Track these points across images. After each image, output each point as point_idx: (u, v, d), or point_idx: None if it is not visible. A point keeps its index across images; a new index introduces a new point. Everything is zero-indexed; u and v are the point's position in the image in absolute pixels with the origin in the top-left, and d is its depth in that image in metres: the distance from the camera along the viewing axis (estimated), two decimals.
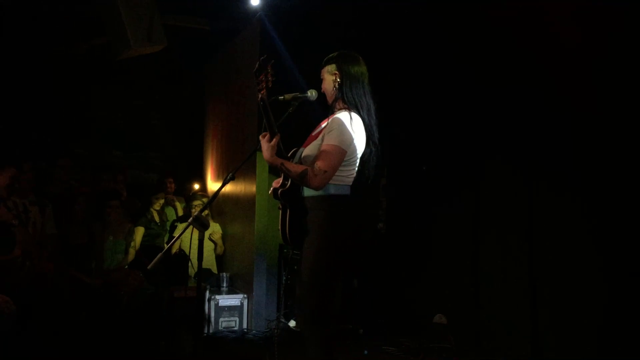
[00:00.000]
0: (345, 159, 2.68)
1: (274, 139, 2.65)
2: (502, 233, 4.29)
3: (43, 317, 3.98)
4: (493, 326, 4.32)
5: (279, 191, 2.73)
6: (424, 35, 5.00)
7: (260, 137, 2.69)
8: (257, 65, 2.68)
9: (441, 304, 4.73)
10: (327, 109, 2.91)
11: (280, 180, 2.82)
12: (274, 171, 5.47)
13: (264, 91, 2.68)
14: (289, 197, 2.72)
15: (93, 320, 4.30)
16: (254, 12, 5.28)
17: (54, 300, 4.12)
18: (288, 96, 2.78)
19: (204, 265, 5.70)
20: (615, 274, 3.49)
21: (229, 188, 5.87)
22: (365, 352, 4.22)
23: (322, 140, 2.69)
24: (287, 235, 2.73)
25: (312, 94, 2.82)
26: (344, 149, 2.66)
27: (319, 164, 2.61)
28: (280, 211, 2.79)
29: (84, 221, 4.83)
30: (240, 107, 5.82)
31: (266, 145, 2.65)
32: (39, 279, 4.17)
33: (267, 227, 5.30)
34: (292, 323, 5.14)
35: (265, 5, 5.15)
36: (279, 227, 2.79)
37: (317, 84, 2.84)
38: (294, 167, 2.64)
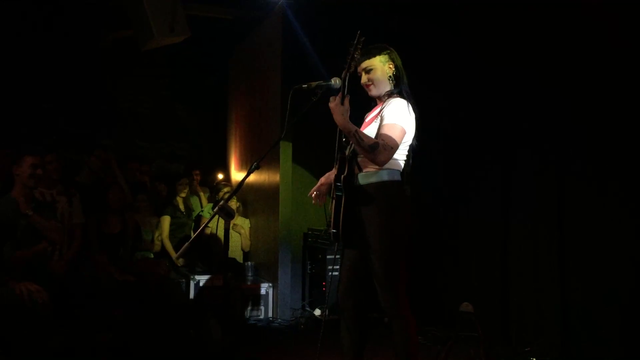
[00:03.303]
0: (402, 141, 2.69)
1: (347, 103, 2.63)
2: (532, 222, 4.22)
3: (74, 306, 4.04)
4: (522, 316, 4.27)
5: (342, 177, 2.69)
6: (451, 22, 4.92)
7: (330, 103, 2.64)
8: (356, 39, 2.64)
9: (469, 292, 4.68)
10: (369, 100, 2.89)
11: (324, 186, 2.80)
12: (298, 161, 5.50)
13: (351, 69, 2.68)
14: (347, 185, 2.69)
15: (122, 310, 4.36)
16: (276, 0, 5.26)
17: (85, 289, 4.19)
18: (312, 84, 2.76)
19: (229, 254, 5.75)
20: None
21: (252, 177, 5.89)
22: (386, 319, 4.16)
23: (380, 119, 2.70)
24: (340, 226, 2.66)
25: (335, 81, 2.79)
26: (404, 129, 2.67)
27: (385, 139, 2.61)
28: (334, 202, 2.72)
29: (117, 211, 4.90)
30: (263, 96, 5.82)
31: (340, 109, 2.61)
32: (69, 269, 4.24)
33: (291, 216, 5.31)
34: (317, 312, 5.16)
35: None
36: (331, 220, 2.73)
37: (340, 71, 2.81)
38: (367, 137, 2.63)
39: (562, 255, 3.95)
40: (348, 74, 2.67)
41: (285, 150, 5.27)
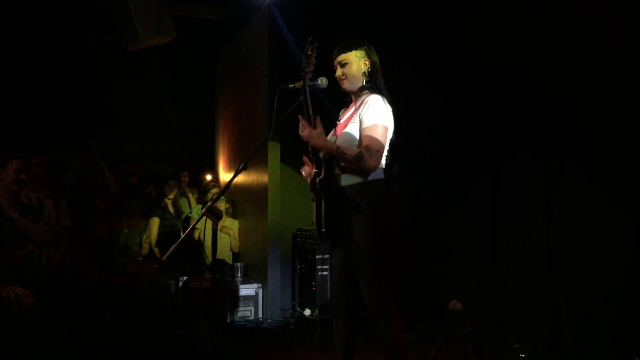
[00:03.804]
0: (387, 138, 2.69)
1: (318, 124, 2.63)
2: (521, 220, 4.24)
3: (63, 309, 4.02)
4: (511, 312, 4.30)
5: (318, 180, 2.67)
6: (440, 22, 4.94)
7: (302, 133, 2.64)
8: (307, 47, 2.66)
9: (459, 290, 4.70)
10: (341, 96, 2.88)
11: (311, 169, 2.77)
12: (286, 161, 5.49)
13: (308, 75, 2.68)
14: (326, 187, 2.67)
15: (111, 312, 4.34)
16: (262, 0, 5.25)
17: (73, 292, 4.16)
18: (298, 84, 2.75)
19: (219, 255, 5.73)
20: (635, 262, 3.43)
21: (241, 178, 5.87)
22: None
23: (360, 122, 2.68)
24: (323, 228, 2.65)
25: (322, 81, 2.80)
26: (386, 126, 2.66)
27: (370, 144, 2.60)
28: (314, 204, 2.71)
29: (104, 214, 4.87)
30: (251, 96, 5.81)
31: (314, 133, 2.61)
32: (56, 272, 4.21)
33: (280, 216, 5.30)
34: (307, 312, 5.16)
35: None
36: (314, 221, 2.72)
37: (325, 72, 2.81)
38: (349, 150, 2.62)
39: (550, 253, 3.98)
40: (307, 83, 2.66)
41: (274, 150, 5.26)
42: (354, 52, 2.79)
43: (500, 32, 4.41)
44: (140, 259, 5.47)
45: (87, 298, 4.21)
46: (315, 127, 2.63)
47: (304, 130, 2.63)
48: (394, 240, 2.67)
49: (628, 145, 3.50)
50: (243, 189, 6.00)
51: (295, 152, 5.46)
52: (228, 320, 5.12)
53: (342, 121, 2.83)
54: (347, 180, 2.68)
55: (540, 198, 4.07)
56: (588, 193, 3.74)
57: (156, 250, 5.70)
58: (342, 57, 2.79)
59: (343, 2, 5.04)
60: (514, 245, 4.29)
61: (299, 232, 5.52)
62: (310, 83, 2.76)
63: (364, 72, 2.79)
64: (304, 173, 2.87)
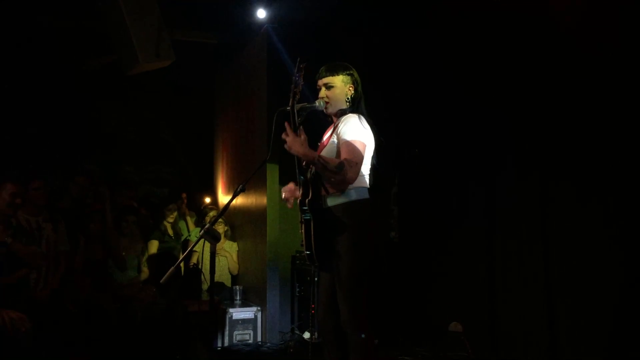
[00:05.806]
0: (366, 154, 2.71)
1: (301, 132, 2.65)
2: (517, 238, 4.24)
3: (59, 333, 3.98)
4: (510, 333, 4.27)
5: (307, 201, 2.68)
6: (430, 42, 4.99)
7: (284, 136, 2.62)
8: (296, 69, 2.69)
9: (457, 311, 4.68)
10: (325, 116, 2.91)
11: (297, 190, 2.78)
12: (285, 182, 5.47)
13: (297, 95, 2.71)
14: (314, 208, 2.68)
15: (108, 336, 4.30)
16: (260, 25, 5.31)
17: (70, 316, 4.13)
18: (296, 106, 2.78)
19: (217, 278, 5.69)
20: (634, 279, 3.42)
21: (239, 200, 5.87)
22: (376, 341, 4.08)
23: (338, 139, 2.71)
24: (313, 249, 2.66)
25: (319, 103, 2.83)
26: (364, 142, 2.69)
27: (348, 157, 2.62)
28: (303, 225, 2.72)
29: (99, 237, 4.85)
30: (249, 119, 5.83)
31: (297, 141, 2.60)
32: (53, 297, 4.18)
33: (279, 238, 5.28)
34: (306, 335, 5.11)
35: (272, 18, 5.19)
36: (302, 243, 2.73)
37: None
38: (331, 160, 2.64)
39: (548, 271, 3.96)
40: (295, 104, 2.69)
41: (272, 172, 5.26)
42: (340, 77, 2.82)
43: (487, 39, 4.45)
44: (140, 282, 5.43)
45: (83, 322, 4.17)
46: (299, 136, 2.63)
47: (286, 137, 2.61)
48: (372, 261, 2.70)
49: (624, 155, 3.50)
50: (242, 211, 5.99)
51: (293, 174, 5.52)
52: (227, 344, 5.06)
53: (323, 141, 2.87)
54: (332, 201, 2.71)
55: (538, 215, 4.07)
56: (585, 209, 3.73)
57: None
58: (327, 80, 2.83)
59: (341, 25, 5.10)
60: (511, 265, 4.28)
61: (298, 254, 5.50)
62: (308, 105, 2.80)
63: (348, 98, 2.82)
64: (284, 194, 2.92)
